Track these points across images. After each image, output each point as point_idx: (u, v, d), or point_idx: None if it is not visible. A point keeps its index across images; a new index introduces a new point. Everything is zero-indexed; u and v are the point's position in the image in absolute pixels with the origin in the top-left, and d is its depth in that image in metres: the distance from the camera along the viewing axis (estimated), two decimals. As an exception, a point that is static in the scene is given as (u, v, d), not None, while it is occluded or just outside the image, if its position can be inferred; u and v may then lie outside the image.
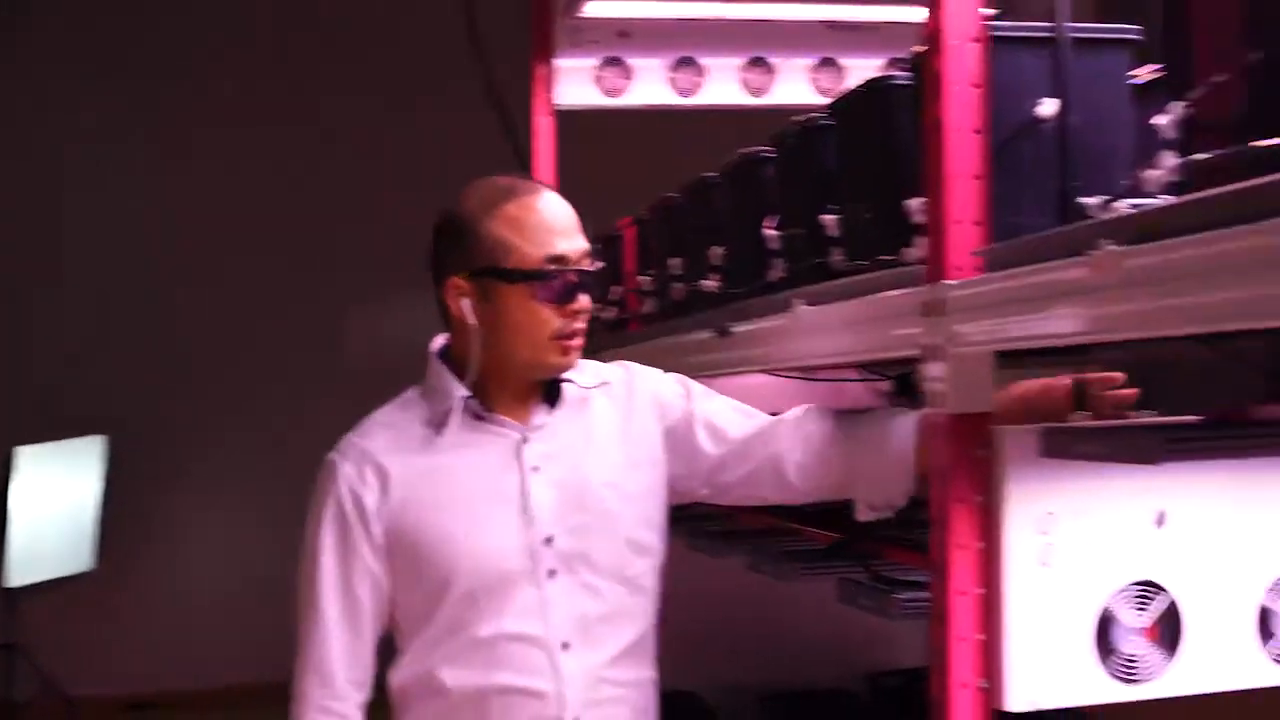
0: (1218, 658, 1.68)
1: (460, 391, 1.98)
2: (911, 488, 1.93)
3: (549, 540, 1.95)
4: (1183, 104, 1.36)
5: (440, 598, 1.93)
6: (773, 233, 2.30)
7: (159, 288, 6.99)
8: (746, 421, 2.10)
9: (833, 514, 2.29)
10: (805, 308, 2.03)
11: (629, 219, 3.31)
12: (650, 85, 3.82)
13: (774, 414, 2.13)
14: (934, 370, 1.66)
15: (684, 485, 2.11)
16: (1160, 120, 1.39)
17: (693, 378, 2.19)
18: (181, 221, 6.99)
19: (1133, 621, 1.65)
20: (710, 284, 2.59)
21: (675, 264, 2.84)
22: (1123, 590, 1.64)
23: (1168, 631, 1.66)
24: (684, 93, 3.82)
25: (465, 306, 1.94)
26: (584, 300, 1.95)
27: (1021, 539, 1.61)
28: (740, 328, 2.33)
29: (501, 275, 1.93)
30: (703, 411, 2.10)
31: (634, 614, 2.02)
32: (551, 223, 1.95)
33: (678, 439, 2.09)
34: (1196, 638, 1.66)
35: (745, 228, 2.43)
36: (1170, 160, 1.38)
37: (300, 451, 2.98)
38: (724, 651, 3.50)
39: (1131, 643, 1.64)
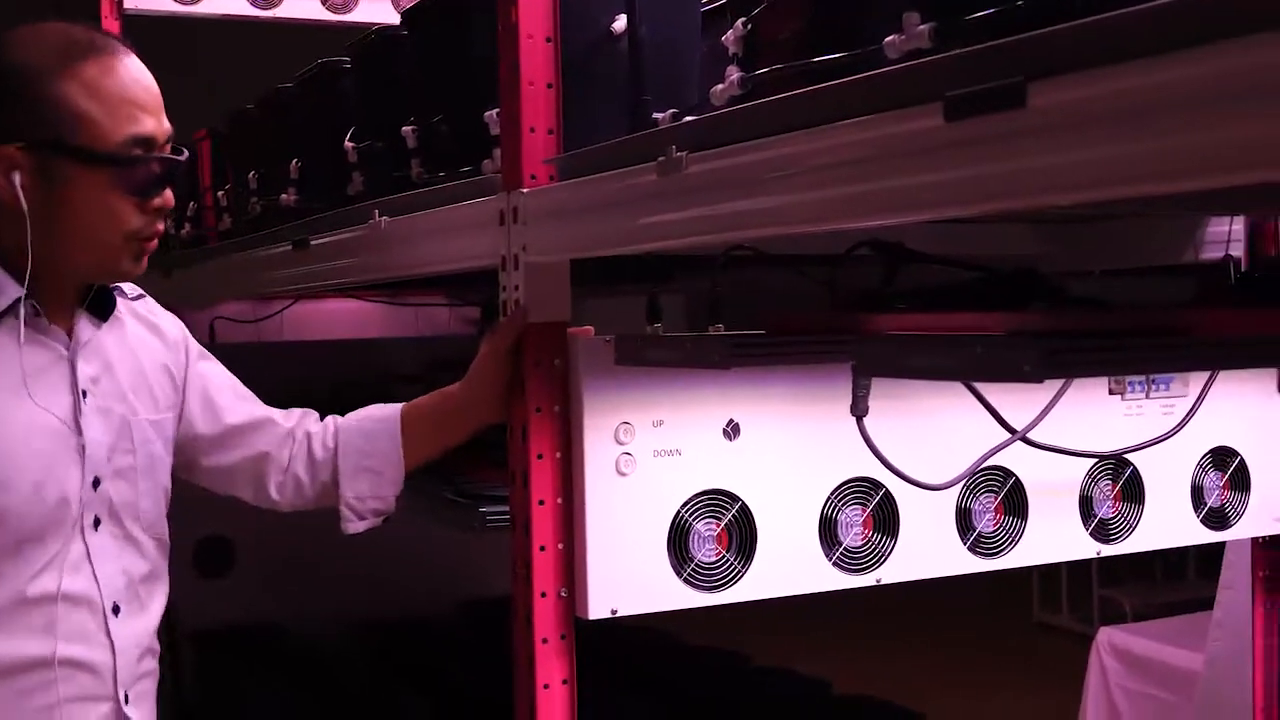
0: (788, 564, 1.75)
1: (14, 291, 1.59)
2: (400, 490, 1.84)
3: (96, 483, 1.63)
4: (745, 23, 1.40)
5: None
6: (351, 145, 2.23)
7: None
8: (240, 405, 1.87)
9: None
10: (385, 219, 1.98)
11: (204, 131, 3.15)
12: (226, -6, 3.65)
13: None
14: (511, 279, 1.65)
15: None
16: (727, 38, 1.42)
17: (273, 296, 2.08)
18: None
19: (706, 530, 1.69)
20: (289, 198, 2.50)
21: (252, 178, 2.72)
22: (696, 498, 1.69)
23: (741, 539, 1.71)
24: (260, 4, 3.66)
25: (17, 185, 1.55)
26: (169, 196, 1.65)
27: (599, 448, 1.63)
28: (319, 240, 2.25)
29: (73, 154, 1.56)
30: (200, 377, 1.84)
31: (164, 574, 1.75)
32: (139, 95, 1.60)
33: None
34: (768, 545, 1.73)
35: (324, 141, 2.35)
36: (735, 75, 1.41)
37: None
38: (314, 584, 3.44)
39: (706, 550, 1.69)
